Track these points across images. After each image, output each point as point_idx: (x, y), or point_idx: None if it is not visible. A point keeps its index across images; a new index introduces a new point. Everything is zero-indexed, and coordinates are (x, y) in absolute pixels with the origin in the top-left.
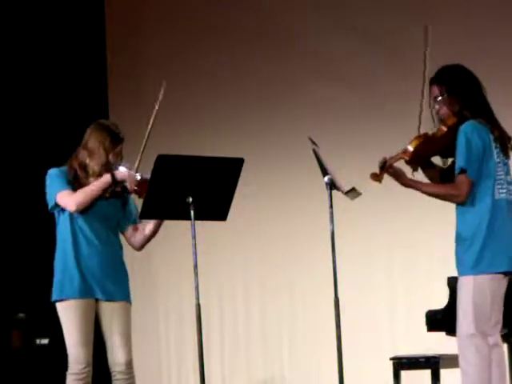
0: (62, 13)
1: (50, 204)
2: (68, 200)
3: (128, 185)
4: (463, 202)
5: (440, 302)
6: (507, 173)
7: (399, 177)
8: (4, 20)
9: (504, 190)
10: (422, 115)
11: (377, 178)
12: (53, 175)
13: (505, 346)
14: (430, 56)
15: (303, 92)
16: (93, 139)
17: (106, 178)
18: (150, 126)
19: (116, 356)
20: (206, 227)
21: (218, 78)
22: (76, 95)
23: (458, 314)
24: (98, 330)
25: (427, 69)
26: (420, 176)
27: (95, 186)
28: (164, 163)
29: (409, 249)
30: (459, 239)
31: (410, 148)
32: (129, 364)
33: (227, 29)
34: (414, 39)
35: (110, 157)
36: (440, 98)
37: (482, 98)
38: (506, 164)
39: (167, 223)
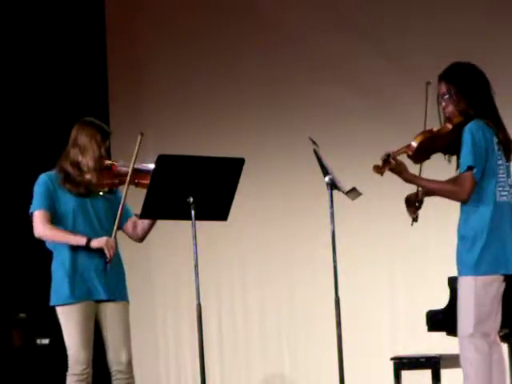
0: (62, 12)
1: (29, 213)
2: (37, 225)
3: (106, 251)
4: (465, 200)
5: (440, 302)
6: (508, 176)
7: (401, 171)
8: (4, 19)
9: (505, 193)
10: (427, 121)
11: (379, 170)
12: (39, 185)
13: (505, 346)
14: (430, 110)
15: (304, 92)
16: (82, 136)
17: (81, 241)
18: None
19: (118, 355)
20: (205, 227)
21: (218, 78)
22: (76, 95)
23: (458, 314)
24: (96, 331)
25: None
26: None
27: (66, 239)
28: (165, 163)
29: (409, 248)
30: (461, 239)
31: (414, 144)
32: (129, 363)
33: (227, 29)
34: (414, 40)
35: (102, 150)
36: (447, 96)
37: (490, 99)
38: (508, 167)
39: (167, 223)
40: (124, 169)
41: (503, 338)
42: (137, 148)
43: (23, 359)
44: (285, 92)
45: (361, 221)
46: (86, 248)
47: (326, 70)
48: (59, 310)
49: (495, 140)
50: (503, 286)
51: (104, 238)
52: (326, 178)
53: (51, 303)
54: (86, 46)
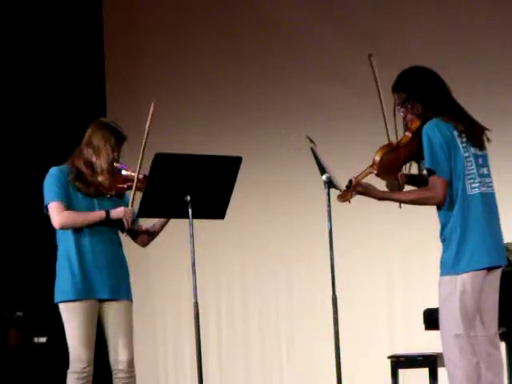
0: (59, 13)
1: (44, 206)
2: (55, 216)
3: (124, 221)
4: (441, 202)
5: (438, 300)
6: (482, 165)
7: (370, 192)
8: (3, 20)
9: (477, 184)
10: (388, 127)
11: (343, 198)
12: (52, 177)
13: (503, 345)
14: (380, 82)
15: (302, 91)
16: (97, 137)
17: (101, 215)
18: (144, 139)
19: (119, 354)
20: (204, 226)
21: (217, 77)
22: (74, 95)
23: (440, 316)
24: (98, 329)
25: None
26: None
27: (87, 219)
28: (162, 161)
29: (407, 247)
30: (441, 239)
31: (377, 158)
32: (131, 362)
33: (226, 28)
34: (413, 38)
35: (115, 154)
36: (401, 104)
37: (444, 95)
38: (481, 156)
39: None
40: (134, 174)
41: (501, 337)
42: (150, 117)
43: (20, 358)
44: (283, 91)
45: (358, 219)
46: (106, 221)
47: (325, 69)
48: (62, 307)
49: (456, 133)
50: (492, 279)
51: (122, 208)
52: (324, 177)
53: (55, 300)
54: (84, 43)
